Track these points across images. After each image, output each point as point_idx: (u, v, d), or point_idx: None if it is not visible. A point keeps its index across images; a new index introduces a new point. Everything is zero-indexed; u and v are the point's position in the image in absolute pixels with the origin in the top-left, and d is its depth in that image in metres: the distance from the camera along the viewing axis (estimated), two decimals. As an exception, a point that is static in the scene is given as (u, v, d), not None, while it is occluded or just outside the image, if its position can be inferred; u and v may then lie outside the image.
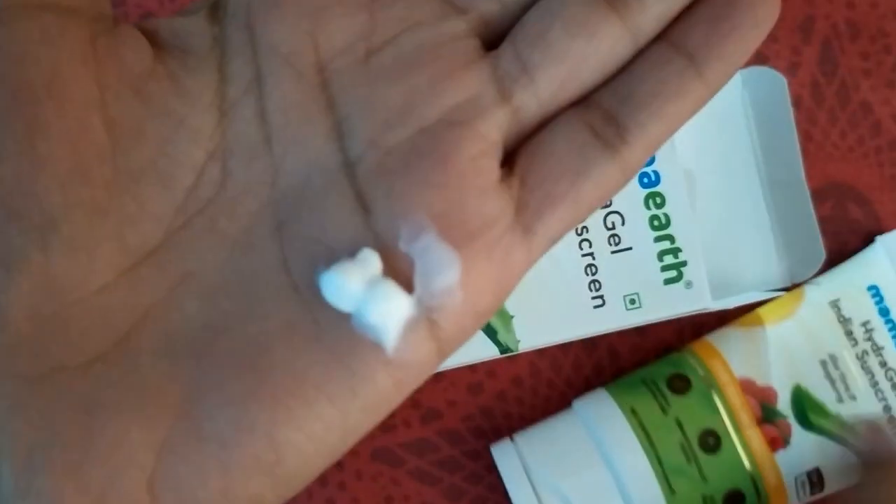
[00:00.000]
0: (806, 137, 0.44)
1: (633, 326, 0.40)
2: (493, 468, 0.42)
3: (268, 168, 0.23)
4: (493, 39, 0.24)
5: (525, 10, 0.24)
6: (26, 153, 0.21)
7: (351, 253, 0.22)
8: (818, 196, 0.43)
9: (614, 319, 0.40)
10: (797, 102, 0.44)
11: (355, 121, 0.23)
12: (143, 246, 0.22)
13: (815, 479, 0.39)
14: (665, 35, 0.23)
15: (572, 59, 0.23)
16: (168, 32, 0.24)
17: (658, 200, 0.40)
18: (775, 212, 0.43)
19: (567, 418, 0.40)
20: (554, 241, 0.23)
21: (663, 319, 0.40)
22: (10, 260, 0.21)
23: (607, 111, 0.23)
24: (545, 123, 0.24)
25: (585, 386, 0.43)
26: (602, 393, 0.40)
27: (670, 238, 0.40)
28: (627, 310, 0.40)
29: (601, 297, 0.39)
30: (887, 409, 0.40)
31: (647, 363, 0.42)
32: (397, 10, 0.24)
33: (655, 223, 0.40)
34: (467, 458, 0.42)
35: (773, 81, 0.42)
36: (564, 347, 0.43)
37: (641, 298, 0.40)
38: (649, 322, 0.40)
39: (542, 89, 0.23)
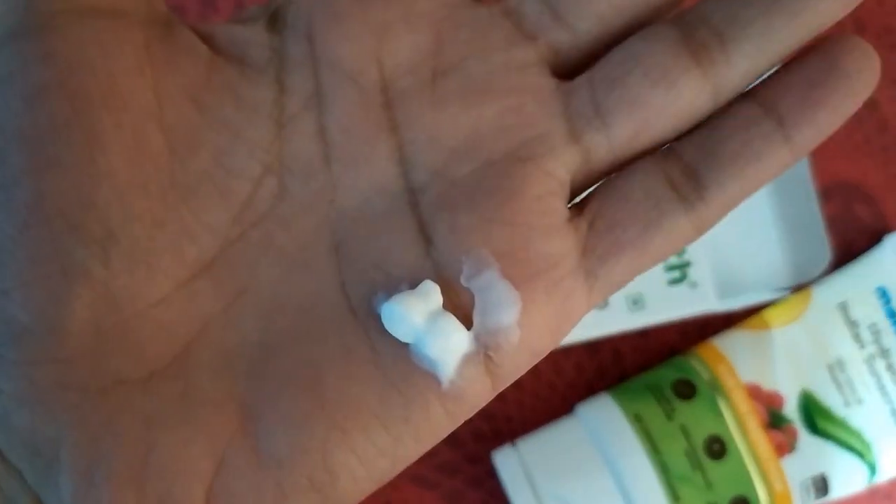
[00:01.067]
0: (811, 136, 0.43)
1: (636, 328, 0.40)
2: (492, 473, 0.42)
3: (326, 186, 0.23)
4: (561, 70, 0.24)
5: (599, 44, 0.24)
6: (85, 165, 0.21)
7: (411, 283, 0.22)
8: (824, 195, 0.43)
9: (617, 321, 0.40)
10: (802, 100, 0.43)
11: (420, 147, 0.23)
12: (200, 258, 0.22)
13: (820, 484, 0.39)
14: (756, 94, 0.23)
15: (649, 109, 0.23)
16: (225, 39, 0.23)
17: (661, 200, 0.40)
18: (781, 211, 0.43)
19: (570, 424, 0.39)
20: (616, 288, 0.23)
21: (667, 321, 0.40)
22: (71, 273, 0.21)
23: (688, 165, 0.23)
24: (615, 169, 0.23)
25: (588, 389, 0.42)
26: (606, 398, 0.39)
27: (674, 238, 0.40)
28: (631, 311, 0.39)
29: (604, 298, 0.39)
30: (894, 412, 0.39)
31: (652, 366, 0.42)
32: (465, 33, 0.23)
33: (659, 223, 0.40)
34: (467, 462, 0.42)
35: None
36: (566, 350, 0.42)
37: (645, 299, 0.39)
38: (653, 323, 0.40)
39: (615, 135, 0.23)
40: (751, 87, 0.23)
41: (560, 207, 0.23)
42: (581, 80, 0.23)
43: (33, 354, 0.21)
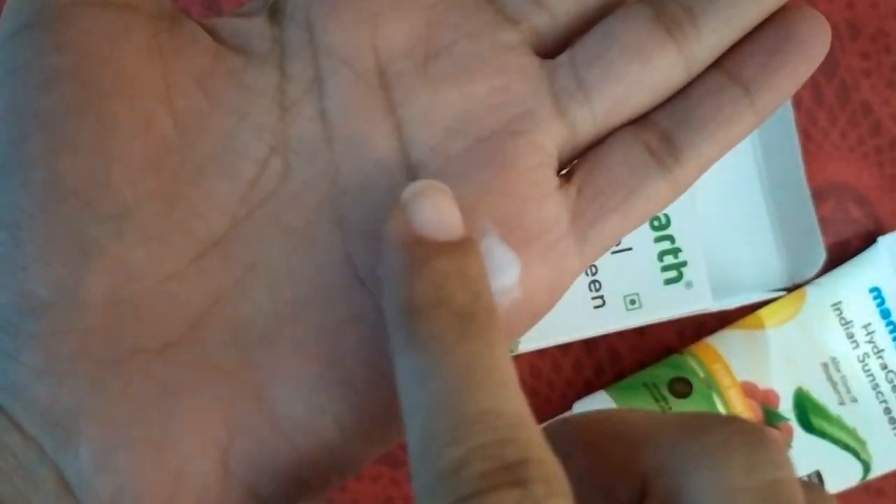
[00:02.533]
0: (806, 137, 0.44)
1: (633, 327, 0.40)
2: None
3: (329, 165, 0.24)
4: (542, 50, 0.25)
5: (577, 24, 0.25)
6: (99, 146, 0.22)
7: None
8: (818, 196, 0.43)
9: (614, 320, 0.40)
10: (797, 102, 0.44)
11: (416, 125, 0.24)
12: (209, 235, 0.23)
13: (815, 481, 0.39)
14: (721, 64, 0.25)
15: (628, 82, 0.24)
16: (228, 31, 0.25)
17: (658, 201, 0.40)
18: (776, 212, 0.43)
19: (568, 421, 0.40)
20: (605, 249, 0.24)
21: (664, 320, 0.40)
22: (87, 248, 0.22)
23: (664, 131, 0.24)
24: (598, 140, 0.25)
25: (585, 387, 0.43)
26: (603, 396, 0.40)
27: (670, 238, 0.40)
28: (628, 310, 0.40)
29: (601, 297, 0.39)
30: (887, 411, 0.40)
31: (648, 364, 0.42)
32: (453, 18, 0.25)
33: (655, 223, 0.40)
34: (467, 460, 0.42)
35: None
36: (564, 348, 0.43)
37: (642, 299, 0.40)
38: (649, 322, 0.40)
39: (597, 108, 0.24)
40: (716, 58, 0.25)
41: (550, 177, 0.24)
42: (562, 58, 0.25)
43: (52, 326, 0.22)
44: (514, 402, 0.19)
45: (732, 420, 0.19)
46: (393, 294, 0.21)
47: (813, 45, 0.24)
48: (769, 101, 0.24)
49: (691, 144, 0.24)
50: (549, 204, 0.24)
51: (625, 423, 0.21)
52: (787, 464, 0.19)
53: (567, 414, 0.40)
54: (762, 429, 0.19)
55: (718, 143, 0.24)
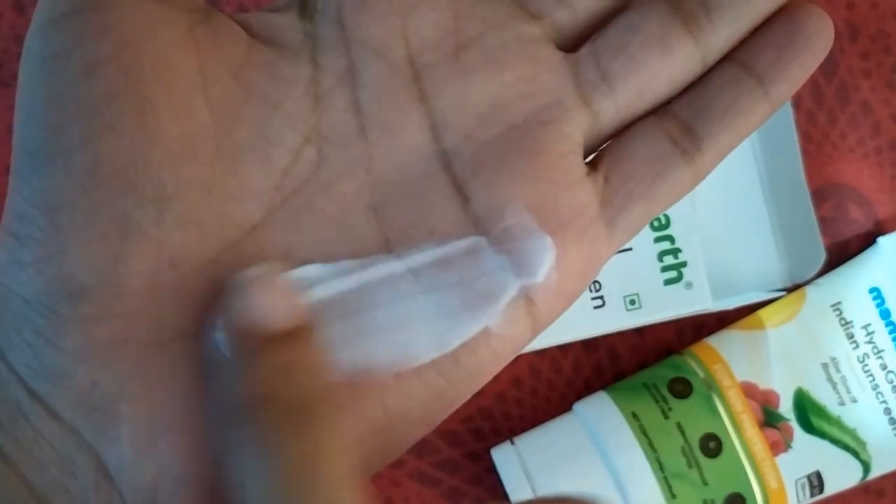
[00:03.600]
0: (806, 138, 0.44)
1: (633, 327, 0.40)
2: (492, 470, 0.42)
3: (363, 154, 0.25)
4: (562, 45, 0.26)
5: (596, 20, 0.26)
6: (140, 131, 0.22)
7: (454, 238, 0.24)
8: (818, 196, 0.43)
9: (614, 320, 0.40)
10: (797, 102, 0.44)
11: (449, 114, 0.25)
12: (245, 221, 0.24)
13: (815, 481, 0.39)
14: (736, 57, 0.26)
15: (650, 72, 0.25)
16: (260, 25, 0.25)
17: (658, 201, 0.40)
18: (775, 212, 0.43)
19: (567, 421, 0.40)
20: (632, 234, 0.26)
21: (663, 320, 0.40)
22: (128, 232, 0.22)
23: (684, 122, 0.26)
24: (619, 129, 0.26)
25: (585, 387, 0.43)
26: (603, 396, 0.40)
27: (670, 238, 0.40)
28: (627, 310, 0.40)
29: (601, 297, 0.39)
30: (888, 411, 0.40)
31: (648, 365, 0.42)
32: (479, 11, 0.26)
33: (655, 223, 0.40)
34: (467, 460, 0.42)
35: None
36: (564, 348, 0.43)
37: (641, 299, 0.40)
38: (649, 323, 0.40)
39: (620, 97, 0.26)
40: (729, 51, 0.26)
41: (580, 164, 0.25)
42: (584, 51, 0.26)
43: (92, 310, 0.22)
44: (342, 500, 0.20)
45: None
46: (225, 385, 0.22)
47: (819, 39, 0.25)
48: (782, 91, 0.26)
49: (711, 133, 0.25)
50: (580, 190, 0.25)
51: None
52: None
53: (576, 428, 0.40)
54: None
55: (736, 131, 0.26)
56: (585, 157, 0.26)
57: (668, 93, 0.26)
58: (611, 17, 0.26)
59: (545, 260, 0.24)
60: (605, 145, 0.26)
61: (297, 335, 0.22)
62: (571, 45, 0.26)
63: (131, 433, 0.22)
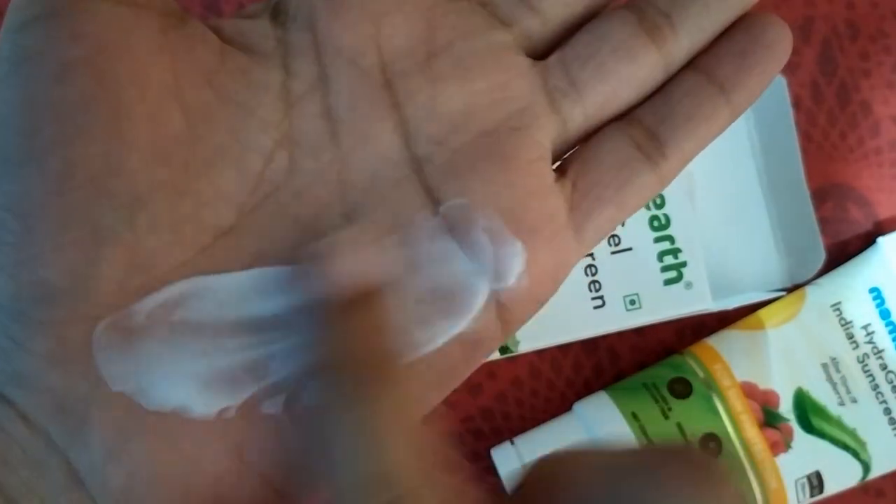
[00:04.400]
0: (806, 138, 0.44)
1: (632, 327, 0.40)
2: (492, 470, 0.42)
3: (335, 160, 0.25)
4: (531, 53, 0.27)
5: (565, 29, 0.27)
6: (113, 135, 0.22)
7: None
8: (818, 196, 0.43)
9: (614, 320, 0.40)
10: (797, 103, 0.44)
11: (421, 120, 0.25)
12: (218, 225, 0.24)
13: (815, 481, 0.39)
14: (698, 65, 0.26)
15: (617, 80, 0.26)
16: (233, 31, 0.25)
17: (658, 201, 0.40)
18: (775, 212, 0.43)
19: (568, 421, 0.40)
20: (599, 238, 0.26)
21: (663, 320, 0.40)
22: (100, 236, 0.22)
23: (649, 129, 0.26)
24: (586, 135, 0.27)
25: (585, 387, 0.43)
26: (603, 396, 0.40)
27: (670, 238, 0.40)
28: (627, 310, 0.40)
29: (601, 297, 0.39)
30: (887, 411, 0.40)
31: (648, 365, 0.42)
32: (451, 19, 0.26)
33: (655, 223, 0.40)
34: (467, 460, 0.42)
35: (773, 82, 0.42)
36: (564, 348, 0.43)
37: (641, 299, 0.40)
38: (649, 323, 0.40)
39: (588, 104, 0.26)
40: (692, 59, 0.27)
41: (549, 171, 0.26)
42: (553, 59, 0.26)
43: (64, 314, 0.22)
44: (409, 460, 0.20)
45: (683, 452, 0.20)
46: (301, 349, 0.22)
47: (778, 48, 0.26)
48: (743, 99, 0.26)
49: (674, 140, 0.26)
50: (549, 196, 0.25)
51: (587, 463, 0.21)
52: (730, 497, 0.20)
53: (576, 428, 0.40)
54: (709, 462, 0.20)
55: (698, 138, 0.26)
56: (553, 162, 0.26)
57: (633, 99, 0.26)
58: (578, 25, 0.27)
59: (516, 264, 0.24)
60: (572, 152, 0.27)
61: (368, 299, 0.22)
62: (540, 53, 0.27)
63: (102, 436, 0.22)
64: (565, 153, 0.27)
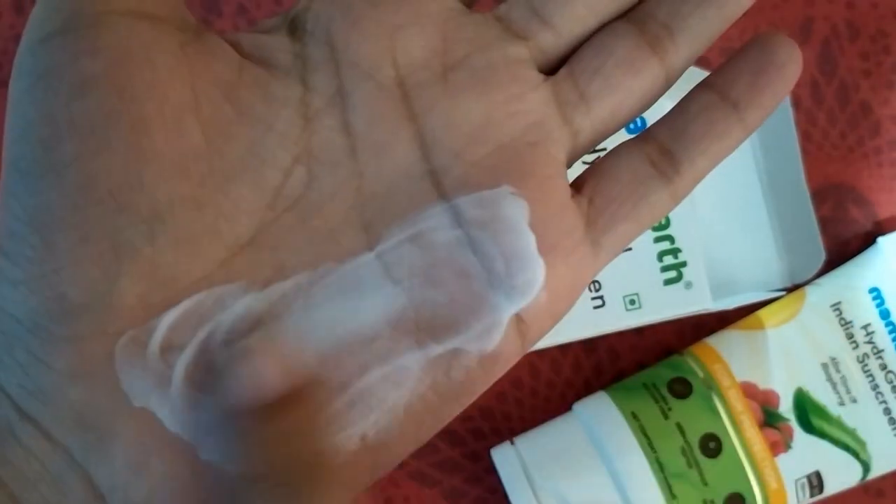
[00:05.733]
0: (806, 137, 0.44)
1: (632, 327, 0.40)
2: (492, 470, 0.42)
3: (353, 173, 0.25)
4: (543, 68, 0.27)
5: (576, 43, 0.27)
6: (133, 149, 0.22)
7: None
8: (818, 196, 0.43)
9: (614, 320, 0.40)
10: (797, 102, 0.44)
11: (439, 133, 0.25)
12: (237, 239, 0.24)
13: (814, 481, 0.39)
14: (712, 84, 0.27)
15: (623, 93, 0.26)
16: (251, 45, 0.25)
17: (658, 201, 0.40)
18: (775, 212, 0.43)
19: (567, 421, 0.40)
20: (615, 254, 0.26)
21: (663, 320, 0.40)
22: (120, 251, 0.22)
23: (663, 146, 0.26)
24: (592, 147, 0.27)
25: (585, 387, 0.43)
26: (603, 396, 0.40)
27: (670, 238, 0.40)
28: (627, 310, 0.40)
29: (601, 297, 0.39)
30: (887, 411, 0.40)
31: (647, 365, 0.42)
32: (466, 33, 0.26)
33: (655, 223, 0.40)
34: (467, 460, 0.42)
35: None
36: (564, 348, 0.43)
37: (641, 299, 0.40)
38: (649, 323, 0.40)
39: (596, 116, 0.26)
40: (705, 77, 0.27)
41: (566, 187, 0.26)
42: (562, 73, 0.27)
43: (84, 329, 0.22)
44: None
45: None
46: (230, 464, 0.22)
47: (789, 68, 0.26)
48: (755, 117, 0.26)
49: (688, 157, 0.26)
50: (567, 212, 0.25)
51: None
52: None
53: (576, 428, 0.40)
54: None
55: (712, 155, 0.26)
56: None
57: (637, 110, 0.27)
58: (585, 41, 0.27)
59: (536, 281, 0.24)
60: (587, 168, 0.27)
61: (291, 400, 0.22)
62: (551, 67, 0.27)
63: (124, 452, 0.22)
64: (571, 165, 0.27)
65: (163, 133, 0.23)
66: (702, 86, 0.27)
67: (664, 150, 0.26)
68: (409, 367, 0.24)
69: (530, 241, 0.24)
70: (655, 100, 0.27)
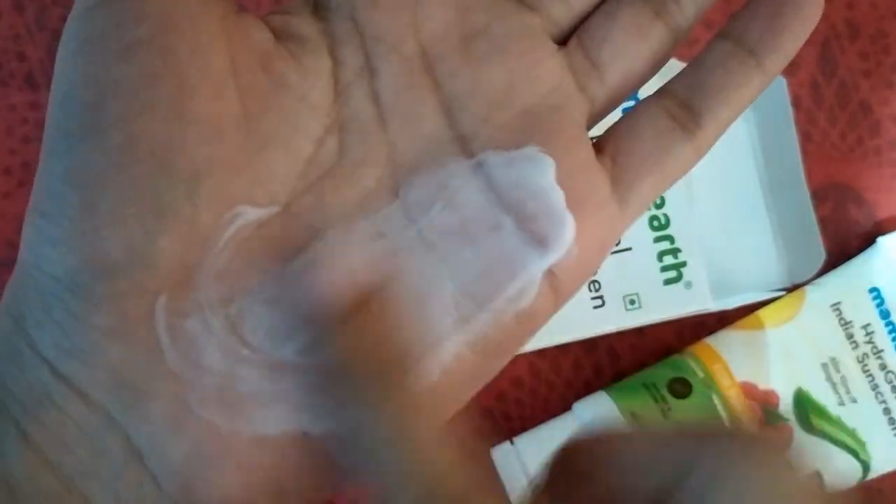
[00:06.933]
0: (806, 138, 0.44)
1: (632, 327, 0.40)
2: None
3: (383, 142, 0.26)
4: (555, 38, 0.27)
5: (585, 14, 0.28)
6: (175, 111, 0.23)
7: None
8: (818, 196, 0.43)
9: (614, 320, 0.40)
10: (797, 102, 0.44)
11: (463, 100, 0.26)
12: (272, 204, 0.24)
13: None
14: (728, 32, 0.27)
15: (632, 57, 0.27)
16: (279, 24, 0.26)
17: (657, 201, 0.40)
18: (775, 212, 0.43)
19: (567, 421, 0.40)
20: (643, 209, 0.27)
21: (663, 320, 0.40)
22: (161, 210, 0.22)
23: (682, 100, 0.26)
24: (607, 111, 0.27)
25: (585, 387, 0.43)
26: (603, 396, 0.40)
27: (670, 238, 0.40)
28: (627, 310, 0.40)
29: (601, 297, 0.39)
30: (887, 411, 0.40)
31: (647, 365, 0.42)
32: (483, 3, 0.27)
33: (655, 223, 0.40)
34: (466, 460, 0.42)
35: (773, 82, 0.42)
36: (564, 348, 0.43)
37: (641, 299, 0.40)
38: (649, 323, 0.40)
39: (609, 82, 0.27)
40: (722, 27, 0.27)
41: (589, 147, 0.26)
42: (572, 43, 0.27)
43: (124, 287, 0.22)
44: (436, 454, 0.20)
45: (740, 430, 0.20)
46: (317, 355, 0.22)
47: (808, 8, 0.26)
48: (774, 62, 0.26)
49: (709, 108, 0.26)
50: (593, 169, 0.26)
51: (633, 442, 0.21)
52: (803, 469, 0.20)
53: (576, 428, 0.40)
54: (771, 437, 0.20)
55: (733, 105, 0.26)
56: None
57: (649, 73, 0.27)
58: (593, 11, 0.28)
59: (567, 235, 0.25)
60: (607, 130, 0.27)
61: (366, 303, 0.22)
62: (562, 38, 0.28)
63: (163, 410, 0.22)
64: (590, 129, 0.27)
65: (203, 97, 0.23)
66: (718, 36, 0.27)
67: (683, 104, 0.26)
68: (446, 328, 0.24)
69: (560, 197, 0.25)
70: (666, 61, 0.27)
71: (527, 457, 0.39)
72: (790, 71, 0.44)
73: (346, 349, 0.21)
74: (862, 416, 0.40)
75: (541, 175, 0.25)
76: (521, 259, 0.25)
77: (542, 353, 0.43)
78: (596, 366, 0.43)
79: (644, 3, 0.27)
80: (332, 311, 0.22)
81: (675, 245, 0.40)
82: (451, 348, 0.24)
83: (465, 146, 0.26)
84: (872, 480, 0.41)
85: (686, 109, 0.26)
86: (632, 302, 0.40)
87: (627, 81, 0.27)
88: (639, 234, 0.40)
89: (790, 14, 0.26)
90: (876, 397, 0.40)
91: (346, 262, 0.23)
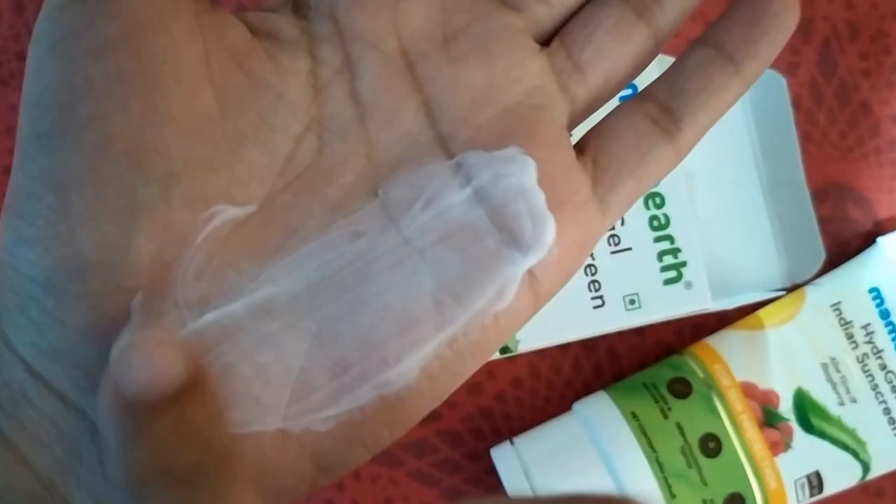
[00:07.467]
0: (805, 138, 0.44)
1: (632, 327, 0.40)
2: (492, 470, 0.42)
3: (363, 140, 0.26)
4: (539, 39, 0.28)
5: (566, 15, 0.28)
6: (150, 110, 0.23)
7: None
8: (818, 196, 0.43)
9: (614, 320, 0.40)
10: (797, 103, 0.44)
11: (443, 100, 0.26)
12: (249, 203, 0.24)
13: (814, 481, 0.39)
14: (707, 39, 0.27)
15: (614, 59, 0.27)
16: (258, 22, 0.26)
17: (658, 201, 0.40)
18: (775, 212, 0.43)
19: (567, 421, 0.40)
20: (622, 211, 0.27)
21: (663, 320, 0.40)
22: (136, 208, 0.22)
23: (663, 103, 0.27)
24: (589, 112, 0.28)
25: (585, 387, 0.43)
26: (602, 396, 0.40)
27: (670, 238, 0.40)
28: (627, 310, 0.40)
29: (601, 297, 0.39)
30: (887, 411, 0.40)
31: (647, 364, 0.42)
32: (464, 2, 0.27)
33: (655, 223, 0.40)
34: (466, 460, 0.42)
35: (773, 82, 0.42)
36: (564, 348, 0.43)
37: (641, 299, 0.40)
38: (649, 323, 0.40)
39: (591, 83, 0.27)
40: (702, 33, 0.28)
41: (570, 148, 0.26)
42: (554, 45, 0.27)
43: (100, 286, 0.22)
44: None
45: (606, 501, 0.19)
46: (114, 466, 0.20)
47: (785, 16, 0.27)
48: (753, 68, 0.27)
49: (689, 112, 0.27)
50: (574, 170, 0.26)
51: None
52: None
53: (574, 429, 0.40)
54: None
55: (712, 109, 0.27)
56: None
57: (630, 74, 0.27)
58: (575, 12, 0.28)
59: (547, 236, 0.25)
60: (588, 131, 0.28)
61: (183, 394, 0.20)
62: (544, 39, 0.28)
63: None
64: (572, 130, 0.28)
65: (178, 96, 0.23)
66: (698, 41, 0.27)
67: (664, 107, 0.27)
68: (427, 328, 0.24)
69: (541, 198, 0.25)
70: (647, 63, 0.28)
71: (527, 457, 0.39)
72: (790, 71, 0.44)
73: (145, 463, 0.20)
74: (862, 416, 0.40)
75: (521, 175, 0.25)
76: (501, 259, 0.25)
77: (542, 353, 0.43)
78: (596, 366, 0.43)
79: (626, 5, 0.27)
80: (133, 418, 0.20)
81: (675, 245, 0.40)
82: (431, 347, 0.24)
83: (446, 146, 0.26)
84: (872, 480, 0.41)
85: (666, 113, 0.27)
86: (632, 302, 0.40)
87: (609, 83, 0.27)
88: (639, 234, 0.40)
89: (768, 21, 0.26)
90: (876, 397, 0.40)
91: (166, 346, 0.20)
